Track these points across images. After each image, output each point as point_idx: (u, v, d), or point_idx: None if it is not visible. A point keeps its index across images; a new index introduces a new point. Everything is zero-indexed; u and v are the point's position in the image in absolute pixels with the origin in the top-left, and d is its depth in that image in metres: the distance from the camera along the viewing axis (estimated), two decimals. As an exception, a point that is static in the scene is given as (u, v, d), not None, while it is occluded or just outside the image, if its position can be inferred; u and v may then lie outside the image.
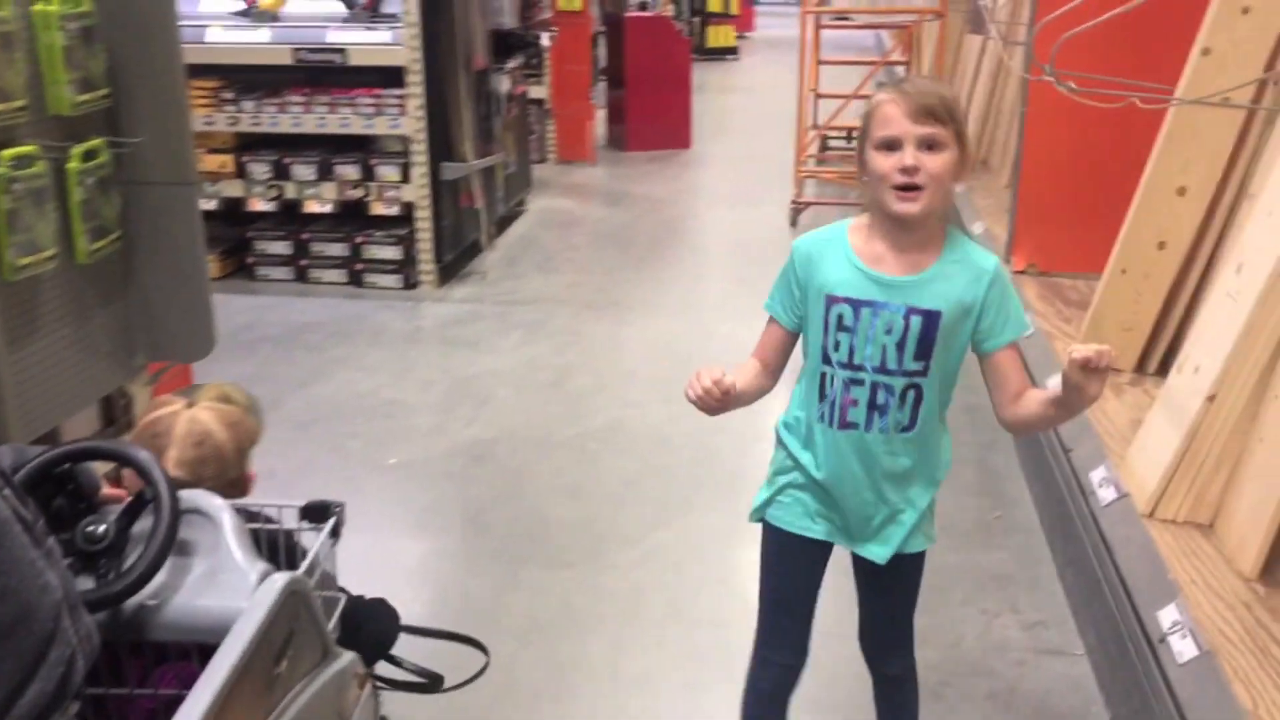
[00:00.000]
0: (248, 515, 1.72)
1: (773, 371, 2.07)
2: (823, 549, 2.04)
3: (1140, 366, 3.71)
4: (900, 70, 8.78)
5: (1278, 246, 2.56)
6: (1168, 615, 2.31)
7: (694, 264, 6.12)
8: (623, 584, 3.10)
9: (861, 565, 2.05)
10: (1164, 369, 3.65)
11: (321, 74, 5.53)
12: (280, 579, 1.46)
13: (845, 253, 1.89)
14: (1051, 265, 4.65)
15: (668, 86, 9.10)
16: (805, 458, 1.99)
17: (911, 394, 1.86)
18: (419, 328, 5.12)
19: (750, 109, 11.35)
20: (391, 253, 5.61)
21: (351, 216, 5.73)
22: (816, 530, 2.01)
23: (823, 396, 1.93)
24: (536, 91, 8.40)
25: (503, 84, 6.03)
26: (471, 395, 4.35)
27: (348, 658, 1.70)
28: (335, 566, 1.79)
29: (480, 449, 3.90)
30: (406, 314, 5.29)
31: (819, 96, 8.31)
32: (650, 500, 3.55)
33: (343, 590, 1.81)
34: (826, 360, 1.90)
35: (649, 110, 9.10)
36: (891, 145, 1.76)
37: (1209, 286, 3.50)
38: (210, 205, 5.67)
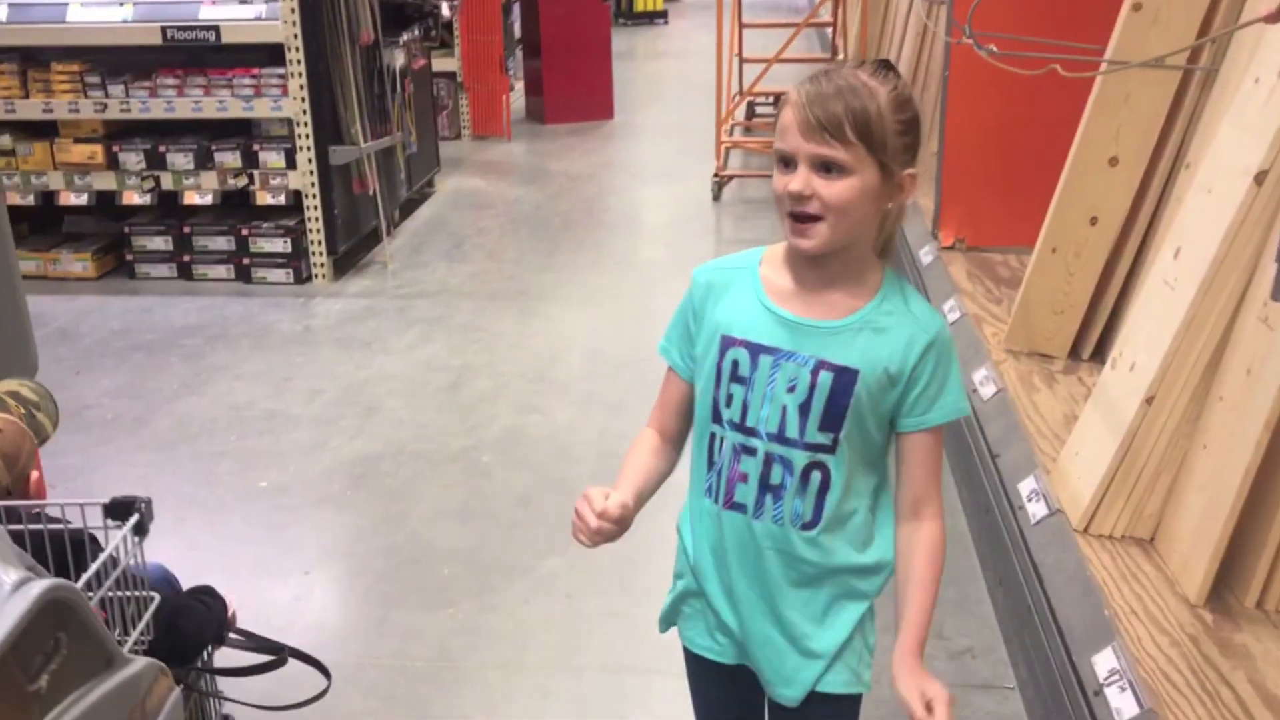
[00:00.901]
0: (30, 517, 1.66)
1: (675, 441, 1.68)
2: (745, 674, 1.61)
3: (1074, 352, 3.43)
4: (828, 34, 8.46)
5: (1219, 229, 2.27)
6: (1104, 662, 2.02)
7: (610, 247, 5.77)
8: (507, 623, 2.77)
9: (772, 706, 1.62)
10: (1099, 355, 3.39)
11: (196, 54, 5.10)
12: (36, 587, 1.25)
13: (753, 285, 1.51)
14: (980, 239, 4.36)
15: (587, 55, 8.70)
16: (694, 552, 1.60)
17: (816, 476, 1.46)
18: (309, 327, 4.73)
19: (679, 75, 10.97)
20: (280, 245, 5.20)
21: (236, 207, 5.31)
22: (723, 652, 1.61)
23: (710, 464, 1.54)
24: (446, 64, 8.01)
25: (397, 58, 5.62)
26: (359, 404, 3.98)
27: (139, 665, 1.46)
28: (144, 564, 1.72)
29: (362, 467, 3.55)
30: (297, 312, 4.90)
31: (744, 61, 7.98)
32: (545, 520, 3.22)
33: (170, 586, 1.79)
34: (716, 418, 1.52)
35: (568, 80, 8.70)
36: (786, 160, 1.41)
37: (1145, 266, 3.22)
38: (81, 199, 5.22)
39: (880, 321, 1.45)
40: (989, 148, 4.25)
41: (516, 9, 9.17)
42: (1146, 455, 2.39)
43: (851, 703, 1.57)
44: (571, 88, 8.72)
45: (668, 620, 1.69)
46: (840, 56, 8.14)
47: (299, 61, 4.92)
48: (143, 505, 1.70)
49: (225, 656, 1.97)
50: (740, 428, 1.48)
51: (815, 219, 1.39)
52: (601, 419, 3.82)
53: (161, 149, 5.11)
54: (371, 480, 3.48)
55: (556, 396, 4.01)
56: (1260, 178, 2.20)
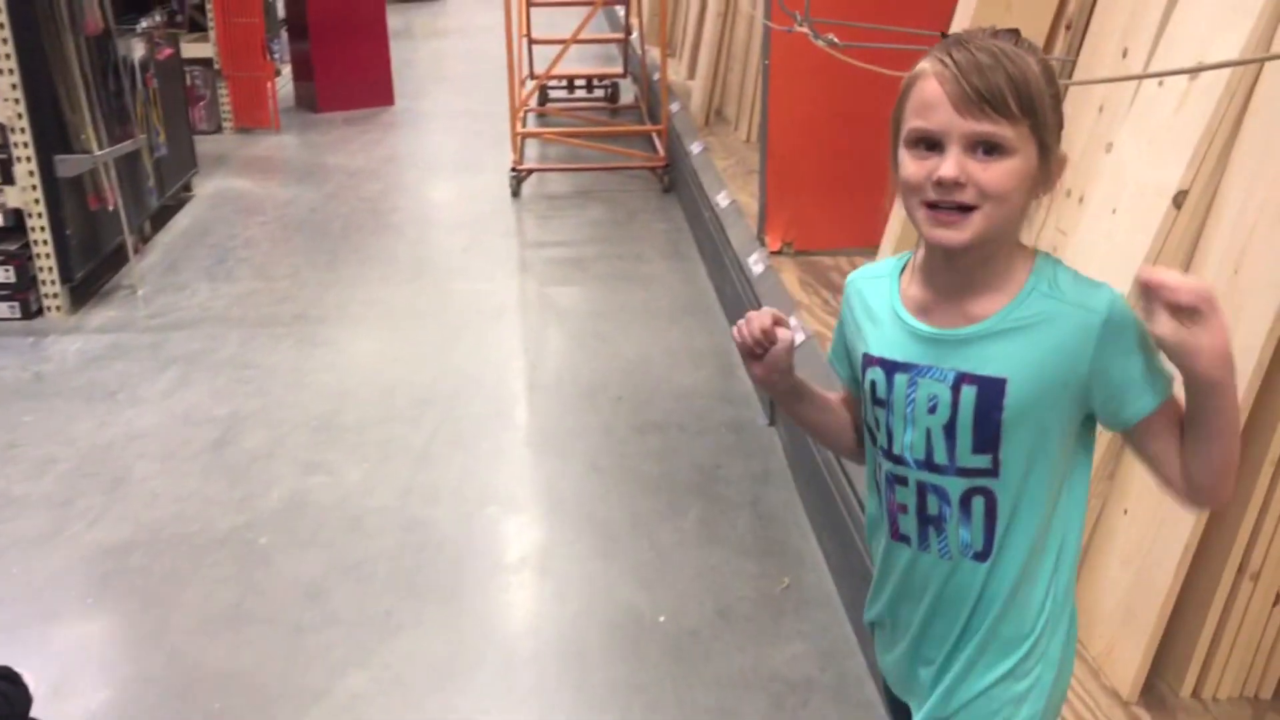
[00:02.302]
0: None
1: (852, 426, 1.48)
2: (905, 711, 1.44)
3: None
4: (620, 12, 8.02)
5: (1131, 259, 1.93)
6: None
7: (400, 255, 5.16)
8: (299, 776, 2.22)
9: None
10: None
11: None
12: None
13: (891, 294, 1.33)
14: (810, 242, 4.00)
15: (360, 34, 7.96)
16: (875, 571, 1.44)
17: (979, 502, 1.26)
18: (39, 375, 3.96)
19: (464, 55, 10.31)
20: (1, 274, 4.37)
21: (-58, 231, 4.43)
22: (890, 680, 1.46)
23: (877, 489, 1.37)
24: (201, 50, 7.15)
25: (135, 49, 4.83)
26: (102, 474, 3.29)
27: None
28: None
29: (107, 562, 2.88)
30: (24, 355, 4.11)
31: (533, 43, 7.45)
32: (340, 620, 2.66)
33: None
34: (872, 441, 1.36)
35: (340, 64, 7.94)
36: (929, 143, 1.19)
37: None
38: None
39: (1027, 316, 1.22)
40: (817, 141, 3.89)
41: (278, -14, 8.35)
42: (1055, 522, 2.05)
43: None
44: (345, 71, 7.97)
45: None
46: (634, 35, 7.72)
47: (9, 56, 4.10)
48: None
49: None
50: (889, 455, 1.32)
51: (970, 209, 1.17)
52: (404, 474, 3.27)
53: None
54: (119, 580, 2.82)
55: (347, 448, 3.43)
56: (1180, 199, 1.87)
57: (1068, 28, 2.77)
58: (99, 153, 4.36)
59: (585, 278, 4.86)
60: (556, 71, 6.82)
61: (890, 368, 1.29)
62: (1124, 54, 2.43)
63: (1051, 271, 1.23)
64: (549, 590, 2.76)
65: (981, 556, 1.28)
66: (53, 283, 4.40)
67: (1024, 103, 1.15)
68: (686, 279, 4.78)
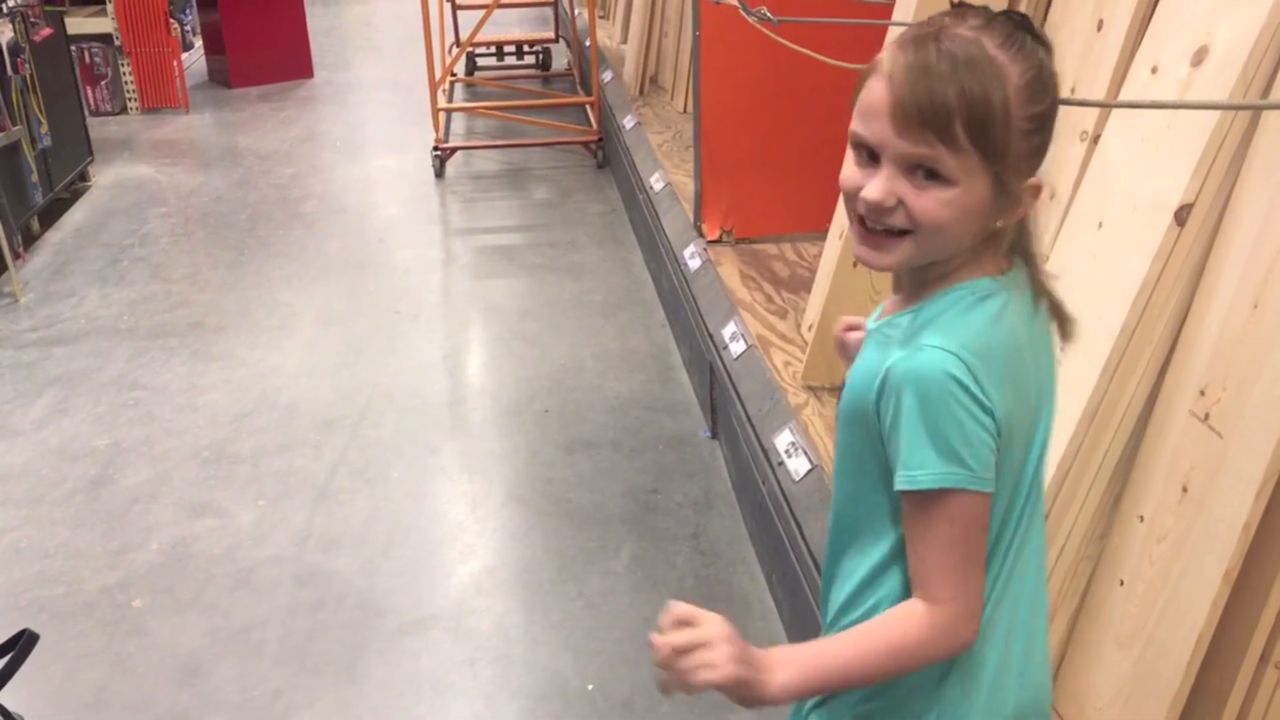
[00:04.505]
0: None
1: None
2: None
3: (886, 384, 2.78)
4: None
5: (1126, 284, 1.60)
6: None
7: (309, 251, 4.75)
8: None
9: None
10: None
11: None
12: None
13: None
14: (750, 229, 3.66)
15: (274, 2, 7.47)
16: None
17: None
18: (-102, 404, 3.54)
19: (391, 20, 9.79)
20: None
21: None
22: None
23: None
24: (99, 25, 6.65)
25: (3, 31, 4.36)
26: (-42, 526, 2.90)
27: None
28: None
29: (-46, 638, 2.50)
30: (-116, 381, 3.69)
31: (457, 8, 7.01)
32: (222, 705, 2.31)
33: None
34: None
35: (253, 35, 7.44)
36: (868, 151, 1.03)
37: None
38: None
39: (889, 333, 1.09)
40: (754, 120, 3.54)
41: (182, -47, 7.80)
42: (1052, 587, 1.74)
43: None
44: (259, 43, 7.48)
45: None
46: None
47: None
48: None
49: None
50: None
51: (904, 233, 1.03)
52: (302, 515, 2.91)
53: None
54: (-34, 660, 2.44)
55: (239, 484, 3.06)
56: (1183, 214, 1.54)
57: None
58: (-39, 151, 3.92)
59: (513, 269, 4.49)
60: (482, 38, 6.39)
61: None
62: (1099, 26, 2.10)
63: (949, 299, 1.06)
64: (460, 655, 2.42)
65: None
66: (-83, 297, 3.97)
67: (975, 131, 0.97)
68: (622, 267, 4.43)
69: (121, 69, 6.84)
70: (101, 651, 2.46)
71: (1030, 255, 1.12)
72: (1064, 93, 2.15)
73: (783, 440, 2.50)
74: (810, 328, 2.88)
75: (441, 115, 5.77)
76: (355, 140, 6.39)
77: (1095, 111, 1.96)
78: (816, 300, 2.88)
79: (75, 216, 5.18)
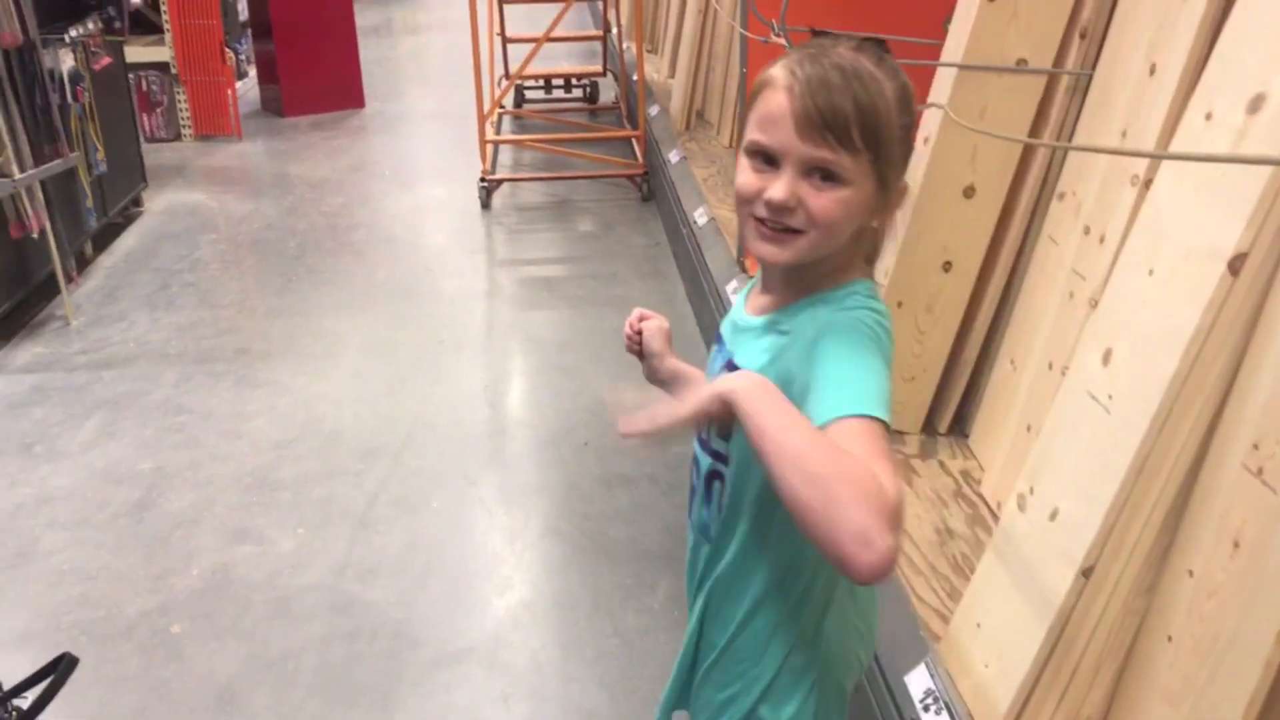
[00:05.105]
0: None
1: None
2: None
3: (928, 426, 2.76)
4: (598, 8, 7.64)
5: (1177, 333, 1.57)
6: None
7: (356, 279, 4.80)
8: None
9: None
10: (959, 427, 2.73)
11: None
12: None
13: (746, 289, 1.35)
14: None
15: (327, 34, 7.58)
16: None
17: (716, 485, 1.31)
18: (-50, 424, 3.61)
19: (442, 52, 9.93)
20: (-84, 310, 4.02)
21: None
22: None
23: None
24: (157, 54, 6.79)
25: (63, 61, 4.46)
26: (5, 546, 2.94)
27: None
28: None
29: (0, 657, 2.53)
30: (-62, 400, 3.76)
31: (507, 41, 7.08)
32: (256, 733, 2.31)
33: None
34: None
35: (307, 65, 7.56)
36: (766, 157, 1.14)
37: (1010, 320, 2.57)
38: None
39: (791, 323, 1.20)
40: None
41: (239, -15, 7.96)
42: (1086, 642, 1.70)
43: None
44: (312, 74, 7.60)
45: None
46: (614, 31, 7.35)
47: (-85, 71, 3.74)
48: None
49: None
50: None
51: (797, 232, 1.14)
52: (341, 543, 2.92)
53: None
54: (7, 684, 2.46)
55: (280, 511, 3.07)
56: (1237, 264, 1.51)
57: (1082, 36, 2.42)
58: (19, 176, 4.00)
59: (555, 300, 4.50)
60: (532, 71, 6.45)
61: (714, 344, 1.34)
62: (1151, 71, 2.08)
63: (843, 294, 1.18)
64: (494, 690, 2.41)
65: (713, 539, 1.32)
66: (-27, 318, 4.04)
67: (868, 135, 1.10)
68: (665, 301, 4.43)
69: (177, 97, 6.97)
70: (139, 676, 2.47)
71: (873, 267, 1.26)
72: (1114, 136, 2.13)
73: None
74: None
75: (489, 147, 5.81)
76: (404, 170, 6.45)
77: (1244, 225, 1.94)
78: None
79: (128, 241, 5.26)
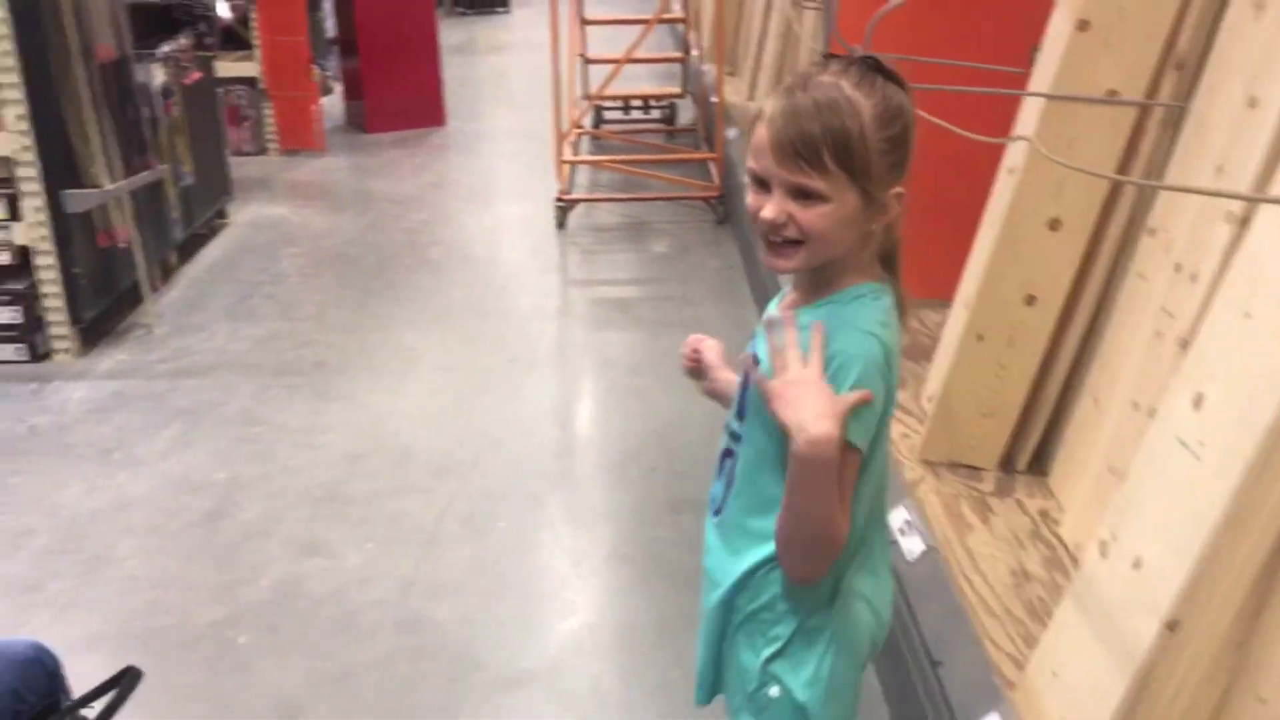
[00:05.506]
0: None
1: None
2: None
3: (1005, 463, 2.69)
4: (680, 29, 7.66)
5: (1275, 379, 1.51)
6: None
7: (432, 295, 4.84)
8: None
9: None
10: (1038, 465, 2.66)
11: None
12: None
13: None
14: (872, 294, 3.59)
15: (411, 52, 7.70)
16: None
17: (728, 462, 1.47)
18: (35, 427, 3.69)
19: (522, 72, 10.02)
20: (8, 315, 4.12)
21: (-52, 267, 4.20)
22: None
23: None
24: (245, 69, 6.93)
25: (154, 76, 4.57)
26: (81, 551, 2.99)
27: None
28: None
29: (70, 661, 2.56)
30: (24, 403, 3.84)
31: (588, 62, 7.11)
32: (317, 749, 2.32)
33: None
34: None
35: (391, 82, 7.68)
36: (760, 181, 1.32)
37: (1094, 356, 2.49)
38: None
39: (804, 319, 1.33)
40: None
41: (328, 4, 8.11)
42: (1170, 699, 1.63)
43: None
44: (395, 91, 7.71)
45: None
46: (694, 53, 7.35)
47: (15, 85, 3.85)
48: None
49: None
50: None
51: (797, 243, 1.31)
52: (409, 560, 2.93)
53: None
54: (82, 684, 2.50)
55: (349, 526, 3.09)
56: (1342, 308, 1.45)
57: (1178, 67, 2.35)
58: (109, 187, 4.10)
59: (628, 322, 4.49)
60: (611, 91, 6.47)
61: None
62: (1251, 104, 2.01)
63: (853, 305, 1.33)
64: (554, 717, 2.39)
65: (719, 509, 1.47)
66: (61, 324, 4.14)
67: (840, 156, 1.25)
68: (737, 324, 4.39)
69: (264, 112, 7.11)
70: (204, 686, 2.49)
71: (896, 268, 1.38)
72: (1209, 172, 2.06)
73: (897, 517, 2.42)
74: (930, 399, 2.80)
75: (566, 167, 5.84)
76: (482, 188, 6.51)
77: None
78: (939, 371, 2.80)
79: (211, 252, 5.37)
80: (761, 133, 1.28)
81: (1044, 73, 2.48)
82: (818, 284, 1.37)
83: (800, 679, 1.40)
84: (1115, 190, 2.47)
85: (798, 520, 1.29)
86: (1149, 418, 2.11)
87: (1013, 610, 2.17)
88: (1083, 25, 2.36)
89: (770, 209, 1.29)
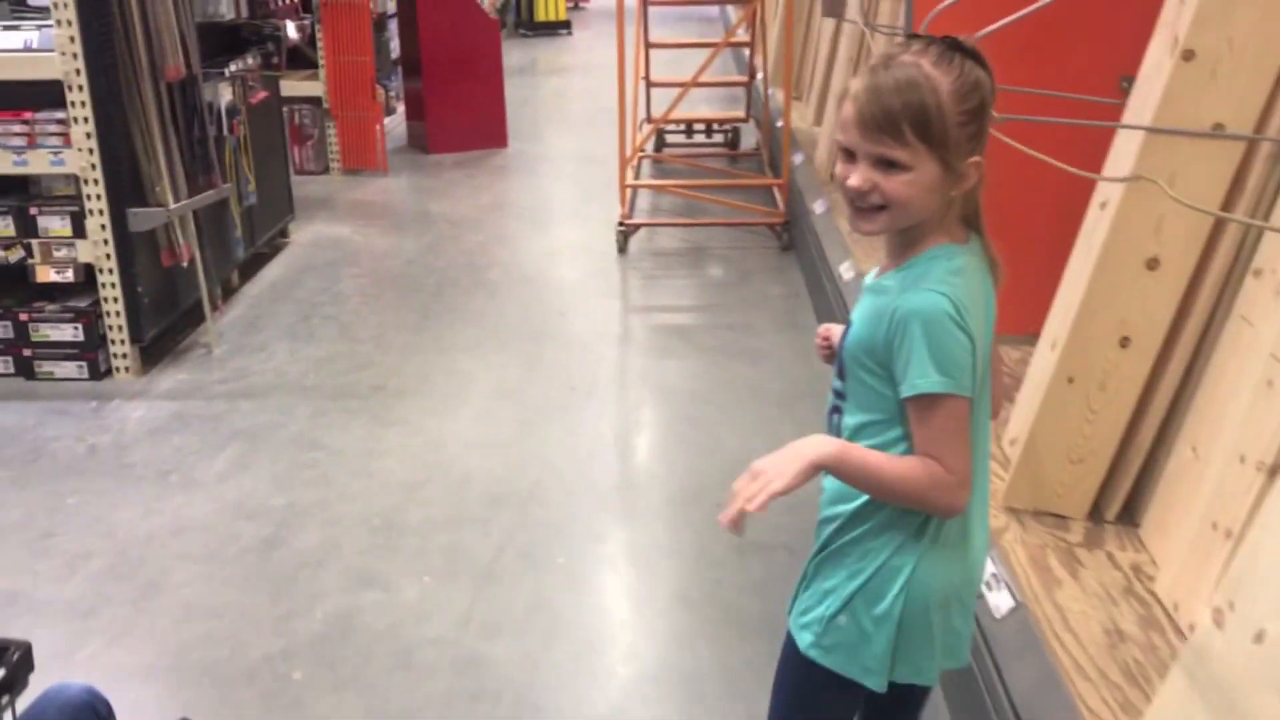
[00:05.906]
0: None
1: None
2: None
3: (1094, 513, 2.55)
4: (744, 53, 7.58)
5: None
6: None
7: (491, 319, 4.78)
8: None
9: None
10: (1128, 516, 2.52)
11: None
12: None
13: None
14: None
15: (474, 75, 7.69)
16: None
17: (835, 418, 1.60)
18: (95, 447, 3.66)
19: (583, 94, 10.02)
20: (70, 333, 4.12)
21: (14, 286, 4.21)
22: None
23: None
24: (310, 89, 6.97)
25: (222, 94, 4.57)
26: (136, 577, 2.95)
27: None
28: None
29: (115, 692, 2.51)
30: (84, 422, 3.83)
31: (651, 85, 7.06)
32: (370, 795, 2.23)
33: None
34: None
35: (453, 104, 7.67)
36: (847, 153, 1.43)
37: (1190, 404, 2.35)
38: None
39: (886, 286, 1.48)
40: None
41: (393, 25, 8.14)
42: (1293, 789, 1.50)
43: (802, 661, 1.63)
44: (457, 112, 7.70)
45: None
46: (759, 77, 7.27)
47: (84, 103, 3.85)
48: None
49: None
50: None
51: (879, 208, 1.42)
52: (466, 595, 2.85)
53: (-90, 212, 4.00)
54: None
55: (406, 557, 3.02)
56: None
57: (1289, 100, 2.22)
58: (174, 206, 4.08)
59: (689, 350, 4.40)
60: (674, 115, 6.41)
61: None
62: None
63: (929, 259, 1.44)
64: (618, 770, 2.29)
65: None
66: (122, 342, 4.13)
67: (919, 129, 1.36)
68: (801, 356, 4.28)
69: (327, 131, 7.13)
70: (258, 724, 2.43)
71: (981, 230, 1.49)
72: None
73: (988, 575, 2.29)
74: (1013, 442, 2.67)
75: (628, 191, 5.77)
76: (543, 211, 6.46)
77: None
78: (1023, 414, 2.67)
79: (273, 271, 5.36)
80: (848, 108, 1.40)
81: (1143, 104, 2.36)
82: (903, 246, 1.48)
83: (871, 614, 1.51)
84: (1218, 228, 2.34)
85: (892, 499, 1.46)
86: (1258, 472, 1.98)
87: (1108, 674, 2.04)
88: (1188, 55, 2.24)
89: (856, 177, 1.41)
